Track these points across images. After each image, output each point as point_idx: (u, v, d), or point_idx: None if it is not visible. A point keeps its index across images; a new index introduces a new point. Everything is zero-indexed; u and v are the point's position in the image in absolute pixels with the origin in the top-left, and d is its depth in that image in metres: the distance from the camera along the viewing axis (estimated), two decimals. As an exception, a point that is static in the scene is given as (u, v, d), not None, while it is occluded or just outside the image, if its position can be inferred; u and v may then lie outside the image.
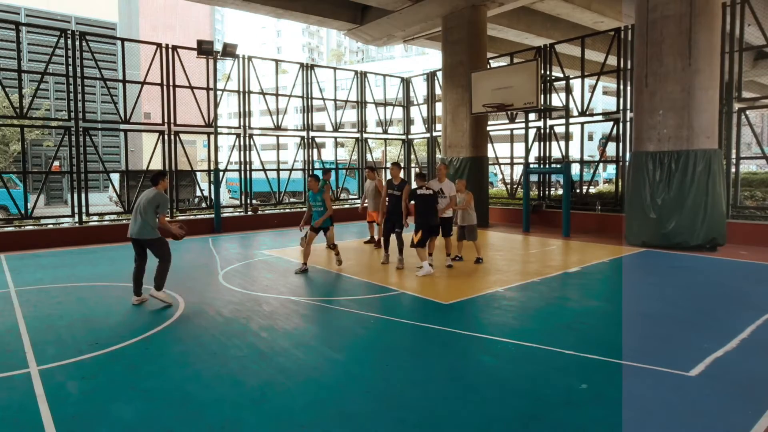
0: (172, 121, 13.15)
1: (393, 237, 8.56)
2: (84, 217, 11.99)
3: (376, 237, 10.71)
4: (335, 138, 18.61)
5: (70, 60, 11.80)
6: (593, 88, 13.61)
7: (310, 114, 16.21)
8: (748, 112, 11.01)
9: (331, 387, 3.93)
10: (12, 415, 3.50)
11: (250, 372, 4.23)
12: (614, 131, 12.89)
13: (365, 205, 11.12)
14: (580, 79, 13.88)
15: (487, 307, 6.15)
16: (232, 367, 4.35)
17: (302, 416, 3.45)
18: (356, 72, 17.64)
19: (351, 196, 20.45)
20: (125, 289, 7.08)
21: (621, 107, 12.72)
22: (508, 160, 15.88)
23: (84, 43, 11.96)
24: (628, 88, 12.38)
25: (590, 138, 36.49)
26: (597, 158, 17.56)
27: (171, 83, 13.11)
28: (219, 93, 13.93)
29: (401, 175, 8.85)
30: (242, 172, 14.74)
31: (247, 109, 14.63)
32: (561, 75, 14.35)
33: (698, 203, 9.76)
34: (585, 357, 4.45)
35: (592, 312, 5.91)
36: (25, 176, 12.33)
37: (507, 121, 15.64)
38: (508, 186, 16.44)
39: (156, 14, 41.91)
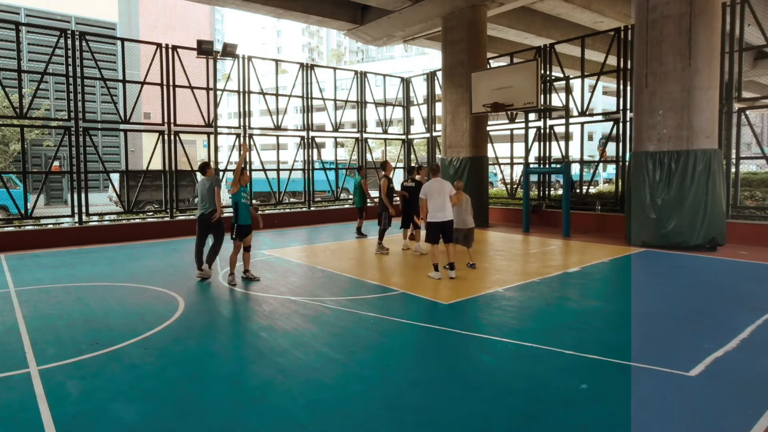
0: (172, 121, 13.15)
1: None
2: (84, 217, 11.98)
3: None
4: (335, 138, 18.62)
5: (70, 60, 11.79)
6: (593, 88, 13.61)
7: (310, 114, 16.21)
8: (748, 112, 11.01)
9: (331, 387, 3.93)
10: (12, 415, 3.50)
11: (250, 372, 4.24)
12: (614, 131, 12.89)
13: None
14: (580, 79, 13.87)
15: (487, 307, 6.15)
16: (232, 367, 4.36)
17: (302, 416, 3.45)
18: (356, 72, 17.64)
19: (351, 196, 20.43)
20: (125, 289, 7.08)
21: (621, 107, 12.71)
22: (508, 160, 15.88)
23: (84, 43, 11.95)
24: (628, 88, 12.38)
25: (590, 138, 36.51)
26: (597, 158, 17.56)
27: (171, 83, 13.10)
28: (219, 93, 13.93)
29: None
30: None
31: (247, 109, 14.62)
32: (561, 75, 14.35)
33: (698, 203, 9.76)
34: (585, 357, 4.44)
35: (592, 312, 5.91)
36: (25, 176, 12.32)
37: (507, 121, 15.63)
38: (508, 186, 16.44)
39: (156, 14, 41.88)
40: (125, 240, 11.98)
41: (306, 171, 16.05)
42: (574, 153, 22.72)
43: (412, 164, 19.37)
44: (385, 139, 19.40)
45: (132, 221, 12.96)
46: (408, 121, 19.27)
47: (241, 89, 14.57)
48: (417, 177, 10.20)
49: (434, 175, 7.82)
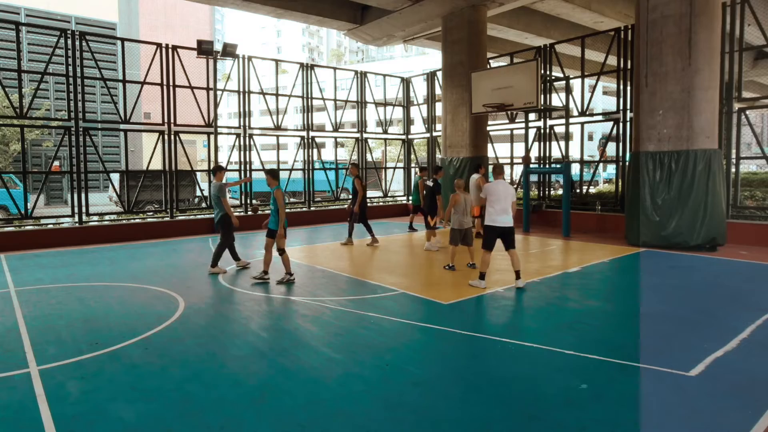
0: (172, 121, 13.14)
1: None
2: (84, 217, 11.98)
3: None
4: (335, 138, 18.61)
5: (70, 60, 11.79)
6: (593, 88, 13.60)
7: (310, 114, 16.21)
8: (748, 112, 11.00)
9: (331, 387, 3.93)
10: (12, 415, 3.50)
11: (250, 372, 4.23)
12: (614, 131, 12.89)
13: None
14: (580, 79, 13.87)
15: (487, 307, 6.15)
16: (232, 367, 4.35)
17: (302, 416, 3.45)
18: (356, 72, 17.63)
19: (351, 197, 20.41)
20: (125, 289, 7.08)
21: (621, 107, 12.71)
22: (508, 160, 15.88)
23: (84, 43, 11.95)
24: (628, 88, 12.38)
25: (590, 138, 36.51)
26: (597, 158, 17.56)
27: (171, 83, 13.10)
28: (219, 93, 13.93)
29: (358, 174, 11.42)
30: (242, 173, 14.74)
31: (247, 109, 14.62)
32: (561, 75, 14.35)
33: (698, 203, 9.76)
34: (585, 357, 4.44)
35: (593, 312, 5.91)
36: (25, 176, 12.31)
37: (507, 121, 15.63)
38: (508, 186, 16.40)
39: (156, 14, 41.93)
40: (125, 240, 11.97)
41: (306, 171, 16.04)
42: (574, 153, 22.72)
43: (412, 164, 19.39)
44: (385, 139, 19.40)
45: (132, 221, 12.96)
46: (408, 121, 19.26)
47: (241, 89, 14.56)
48: (435, 177, 10.54)
49: (498, 176, 7.16)
